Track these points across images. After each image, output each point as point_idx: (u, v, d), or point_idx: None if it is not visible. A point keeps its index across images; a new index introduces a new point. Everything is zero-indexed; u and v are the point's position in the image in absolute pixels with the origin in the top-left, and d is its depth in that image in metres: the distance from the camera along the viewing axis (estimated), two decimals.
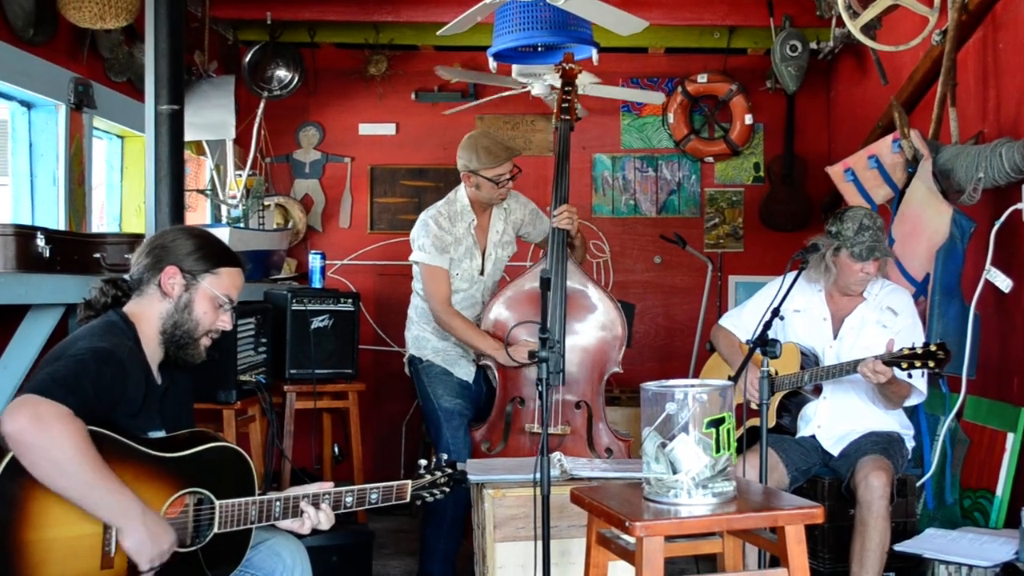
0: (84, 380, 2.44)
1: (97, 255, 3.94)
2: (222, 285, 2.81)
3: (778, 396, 4.06)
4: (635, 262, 7.13)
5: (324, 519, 2.80)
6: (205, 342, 2.82)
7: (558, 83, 5.32)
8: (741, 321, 4.27)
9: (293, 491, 2.81)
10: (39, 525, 2.38)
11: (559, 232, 4.26)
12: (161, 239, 2.84)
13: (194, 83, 5.65)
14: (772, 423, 3.97)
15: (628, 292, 6.89)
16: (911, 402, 4.00)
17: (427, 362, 4.52)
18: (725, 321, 4.41)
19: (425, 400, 4.51)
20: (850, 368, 3.77)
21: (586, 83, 5.46)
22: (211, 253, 2.82)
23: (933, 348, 3.55)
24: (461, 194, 4.49)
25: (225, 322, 2.83)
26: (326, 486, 2.84)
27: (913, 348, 3.59)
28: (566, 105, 4.41)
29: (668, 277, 7.12)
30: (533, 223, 4.68)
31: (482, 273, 4.53)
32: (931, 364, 3.54)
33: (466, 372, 4.52)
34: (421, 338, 4.55)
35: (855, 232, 3.91)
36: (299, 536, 2.88)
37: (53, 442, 2.30)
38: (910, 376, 3.72)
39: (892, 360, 3.62)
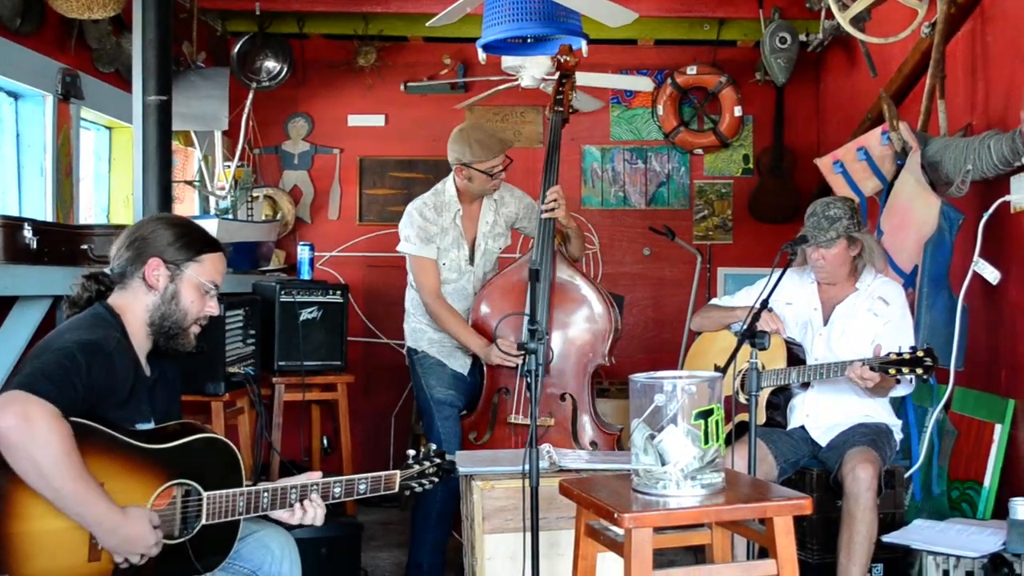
0: (72, 374, 2.43)
1: (85, 246, 3.91)
2: (206, 272, 2.80)
3: (765, 392, 4.06)
4: (624, 254, 7.13)
5: (319, 515, 2.80)
6: (195, 330, 2.82)
7: (540, 74, 5.28)
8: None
9: (281, 482, 2.80)
10: (26, 517, 2.38)
11: (546, 221, 4.26)
12: (140, 231, 2.81)
13: (182, 74, 5.62)
14: (762, 420, 3.98)
15: (617, 284, 6.89)
16: (899, 392, 4.02)
17: (422, 353, 4.53)
18: (712, 301, 4.50)
19: (419, 391, 4.53)
20: (838, 370, 3.80)
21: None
22: (192, 241, 2.81)
23: (920, 354, 3.58)
24: (449, 185, 4.48)
25: (212, 308, 2.83)
26: (314, 475, 2.84)
27: (900, 354, 3.61)
28: (560, 96, 4.40)
29: (657, 269, 7.12)
30: (529, 218, 4.65)
31: (471, 263, 4.50)
32: (919, 371, 3.57)
33: (461, 364, 4.52)
34: (418, 330, 4.56)
35: (806, 219, 4.01)
36: (288, 527, 2.87)
37: (37, 444, 2.30)
38: (898, 382, 3.78)
39: (880, 366, 3.65)
